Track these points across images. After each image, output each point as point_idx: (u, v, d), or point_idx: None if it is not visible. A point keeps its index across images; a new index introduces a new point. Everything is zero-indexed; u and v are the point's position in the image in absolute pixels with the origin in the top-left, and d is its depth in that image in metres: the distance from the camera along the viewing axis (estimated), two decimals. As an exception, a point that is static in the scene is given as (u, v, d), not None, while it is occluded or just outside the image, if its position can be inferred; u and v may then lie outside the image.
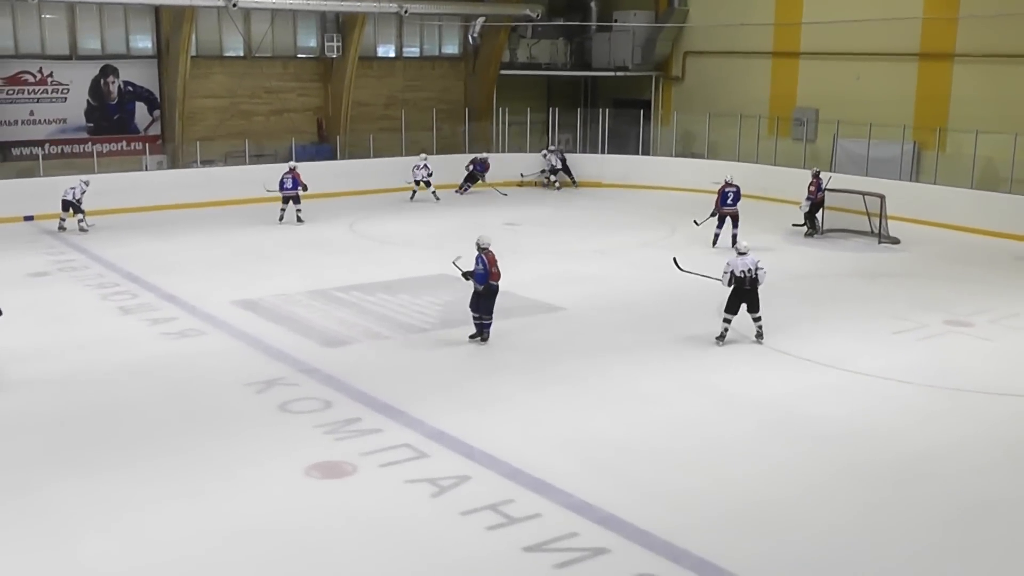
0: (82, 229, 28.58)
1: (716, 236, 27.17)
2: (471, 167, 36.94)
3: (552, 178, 38.24)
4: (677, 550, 11.09)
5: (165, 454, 13.62)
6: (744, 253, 18.66)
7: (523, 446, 13.90)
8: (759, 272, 18.58)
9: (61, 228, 28.79)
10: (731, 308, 18.63)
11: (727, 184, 27.37)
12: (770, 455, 13.90)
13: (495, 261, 18.44)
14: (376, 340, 19.02)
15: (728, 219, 27.18)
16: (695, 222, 28.13)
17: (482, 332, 18.74)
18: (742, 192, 27.42)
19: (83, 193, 28.75)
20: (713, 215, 27.39)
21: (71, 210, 28.76)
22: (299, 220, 30.67)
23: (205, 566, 10.78)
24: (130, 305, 21.26)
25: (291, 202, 30.75)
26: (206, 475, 12.99)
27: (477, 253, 18.55)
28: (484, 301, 18.65)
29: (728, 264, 18.66)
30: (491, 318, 18.77)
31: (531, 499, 12.32)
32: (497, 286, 18.62)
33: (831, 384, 16.84)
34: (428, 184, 35.03)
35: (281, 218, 30.75)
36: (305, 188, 30.80)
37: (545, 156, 38.32)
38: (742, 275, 18.43)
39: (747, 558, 10.98)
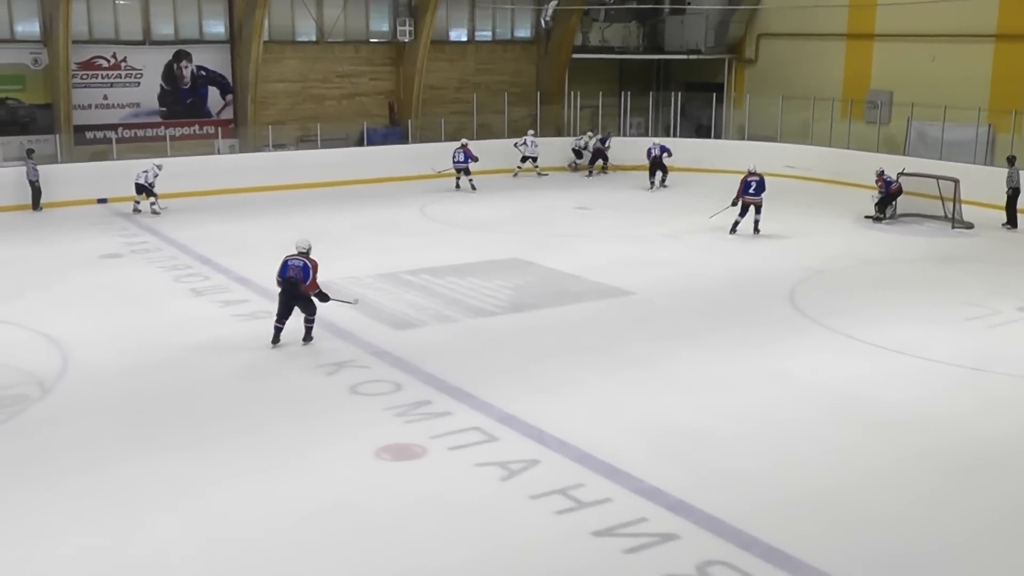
0: (155, 212, 28.98)
1: (736, 223, 26.82)
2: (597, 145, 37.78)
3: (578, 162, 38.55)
4: (746, 536, 11.03)
5: (236, 434, 13.79)
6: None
7: (593, 430, 13.88)
8: None
9: (136, 211, 29.18)
10: None
11: (750, 173, 26.93)
12: (838, 441, 13.80)
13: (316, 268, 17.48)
14: (445, 323, 19.08)
15: (751, 207, 26.85)
16: (710, 217, 27.97)
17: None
18: (766, 183, 26.89)
19: (156, 176, 29.09)
20: (734, 204, 27.01)
21: (144, 193, 29.11)
22: (472, 188, 33.28)
23: (274, 545, 10.88)
24: (202, 287, 21.51)
25: (463, 174, 33.23)
26: (276, 455, 13.11)
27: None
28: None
29: None
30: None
31: (601, 483, 12.30)
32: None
33: (900, 370, 16.65)
34: (535, 160, 36.06)
35: (457, 186, 33.52)
36: (476, 159, 33.47)
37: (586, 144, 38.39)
38: None
39: (815, 545, 10.89)
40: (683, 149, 36.68)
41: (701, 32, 41.71)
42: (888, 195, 28.74)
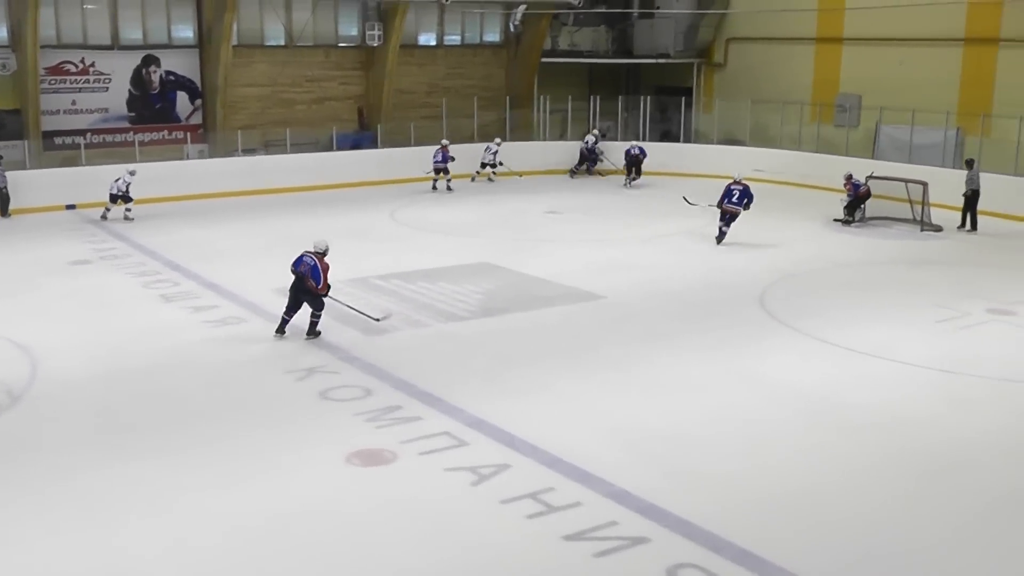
0: (127, 218, 28.75)
1: (721, 233, 26.39)
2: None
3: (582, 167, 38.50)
4: (717, 539, 11.05)
5: (206, 441, 13.72)
6: None
7: (564, 434, 13.89)
8: None
9: (104, 217, 28.96)
10: None
11: (735, 182, 26.67)
12: (811, 443, 13.85)
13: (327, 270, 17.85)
14: (416, 328, 19.04)
15: (728, 215, 26.37)
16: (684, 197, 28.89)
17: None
18: (753, 194, 26.43)
19: (128, 185, 28.81)
20: (718, 206, 26.68)
21: (119, 200, 28.88)
22: (449, 189, 33.83)
23: (244, 551, 10.85)
24: (171, 293, 21.38)
25: (442, 174, 33.47)
26: (247, 462, 13.07)
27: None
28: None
29: None
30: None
31: (571, 488, 12.30)
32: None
33: (872, 372, 16.73)
34: (493, 167, 36.12)
35: (434, 187, 33.89)
36: (453, 159, 33.83)
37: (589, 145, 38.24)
38: None
39: (787, 548, 10.93)
40: (653, 153, 36.71)
41: (670, 36, 41.82)
42: (856, 198, 28.88)
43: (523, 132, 39.96)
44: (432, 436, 13.81)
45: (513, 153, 37.33)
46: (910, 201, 28.54)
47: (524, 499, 11.97)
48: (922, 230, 28.02)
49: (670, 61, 42.03)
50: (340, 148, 36.39)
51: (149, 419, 14.52)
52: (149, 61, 35.00)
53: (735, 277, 22.60)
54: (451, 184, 34.08)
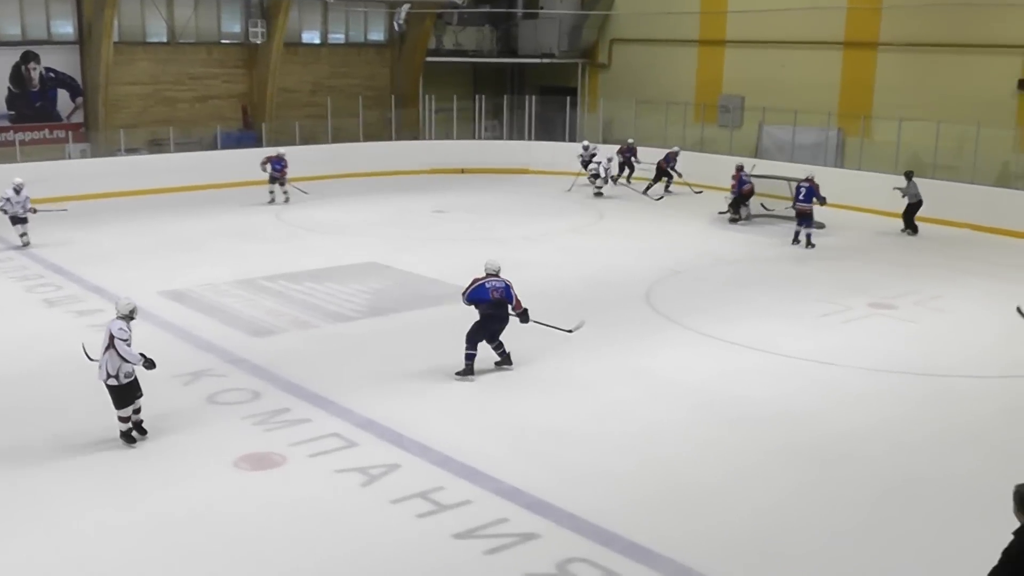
0: (24, 244, 25.70)
1: (797, 235, 26.89)
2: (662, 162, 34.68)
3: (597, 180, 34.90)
4: (607, 533, 11.20)
5: (92, 448, 13.50)
6: None
7: (453, 433, 13.96)
8: None
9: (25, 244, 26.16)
10: None
11: (803, 180, 26.88)
12: (700, 437, 14.08)
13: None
14: (304, 329, 18.97)
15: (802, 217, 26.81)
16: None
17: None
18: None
19: (21, 204, 25.33)
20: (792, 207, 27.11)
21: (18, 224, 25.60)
22: (286, 200, 32.10)
23: (133, 558, 10.73)
24: (55, 297, 21.00)
25: (278, 183, 31.92)
26: (135, 469, 12.89)
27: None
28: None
29: None
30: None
31: (461, 486, 12.37)
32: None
33: (759, 367, 17.06)
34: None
35: (271, 199, 32.00)
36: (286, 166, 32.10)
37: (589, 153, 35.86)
38: None
39: (678, 540, 11.11)
40: (539, 152, 36.90)
41: (554, 37, 42.05)
42: (740, 195, 29.32)
43: (409, 131, 39.92)
44: (321, 438, 13.77)
45: (398, 152, 37.39)
46: (793, 199, 29.07)
47: (414, 498, 12.00)
48: (805, 227, 28.53)
49: (554, 61, 42.28)
50: (224, 147, 36.05)
51: (33, 427, 14.23)
52: (28, 58, 34.24)
53: (621, 275, 22.84)
54: (288, 194, 32.31)
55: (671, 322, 19.35)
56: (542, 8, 42.71)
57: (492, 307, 16.15)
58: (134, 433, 13.53)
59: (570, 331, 16.84)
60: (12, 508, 11.83)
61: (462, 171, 38.38)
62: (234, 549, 10.96)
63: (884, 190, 29.25)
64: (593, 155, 34.89)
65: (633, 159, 35.23)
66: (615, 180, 34.33)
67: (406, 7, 38.83)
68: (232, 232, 27.58)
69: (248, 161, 33.02)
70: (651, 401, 15.34)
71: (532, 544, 11.04)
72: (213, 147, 36.07)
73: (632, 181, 34.57)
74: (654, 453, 13.56)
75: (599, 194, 33.65)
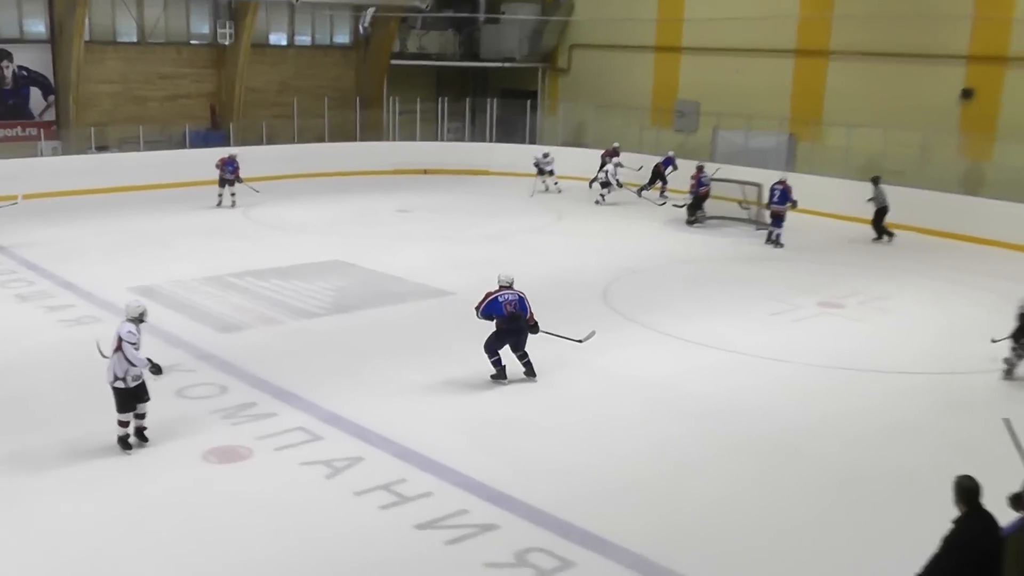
0: None
1: (770, 235, 27.24)
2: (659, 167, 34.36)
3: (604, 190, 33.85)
4: (564, 524, 11.30)
5: (63, 441, 13.45)
6: None
7: (415, 427, 14.00)
8: None
9: None
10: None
11: (777, 182, 27.22)
12: (654, 431, 14.20)
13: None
14: (270, 326, 18.96)
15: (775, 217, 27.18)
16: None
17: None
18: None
19: None
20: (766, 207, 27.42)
21: None
22: (233, 205, 30.77)
23: (104, 550, 10.76)
24: (27, 293, 20.86)
25: (227, 185, 30.80)
26: (105, 461, 12.87)
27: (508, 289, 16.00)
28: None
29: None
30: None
31: (423, 478, 12.44)
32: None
33: (712, 363, 17.22)
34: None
35: (219, 203, 30.83)
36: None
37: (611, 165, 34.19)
38: None
39: (633, 530, 11.23)
40: (500, 153, 36.94)
41: (515, 41, 42.11)
42: (698, 198, 29.47)
43: (373, 132, 39.87)
44: (287, 432, 13.80)
45: (363, 153, 37.42)
46: (745, 202, 29.31)
47: (377, 490, 12.08)
48: (757, 229, 28.75)
49: (516, 65, 42.33)
50: (193, 145, 35.90)
51: (3, 422, 14.17)
52: (1, 56, 33.94)
53: (579, 274, 22.93)
54: (235, 198, 31.21)
55: (627, 320, 19.46)
56: (504, 13, 42.73)
57: (507, 321, 15.67)
58: (131, 440, 13.21)
59: (580, 341, 16.59)
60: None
61: (425, 172, 38.40)
62: (201, 538, 11.00)
63: (834, 194, 29.50)
64: (546, 165, 34.68)
65: (612, 160, 34.36)
66: (641, 191, 33.90)
67: (371, 10, 38.84)
68: (200, 230, 27.48)
69: (216, 159, 32.86)
70: (607, 396, 15.45)
71: (491, 535, 11.13)
72: (182, 145, 35.89)
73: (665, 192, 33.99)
74: (610, 446, 13.68)
75: (599, 202, 32.89)
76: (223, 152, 31.82)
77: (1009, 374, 16.40)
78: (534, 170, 34.49)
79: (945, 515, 8.45)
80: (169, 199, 31.32)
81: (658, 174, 33.71)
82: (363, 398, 15.12)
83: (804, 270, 24.49)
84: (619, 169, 33.24)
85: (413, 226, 28.85)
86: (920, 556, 8.29)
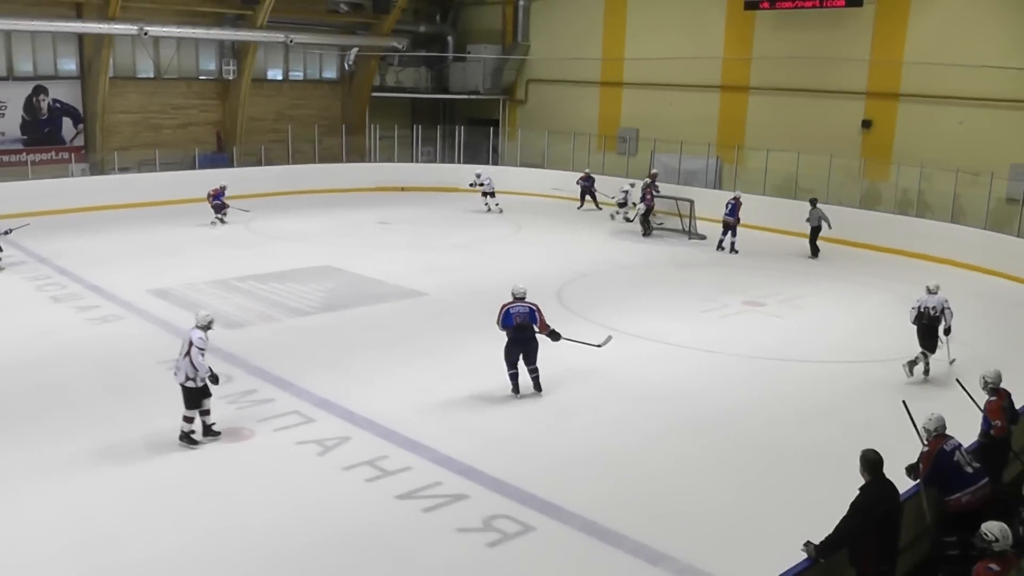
0: None
1: (720, 243, 27.19)
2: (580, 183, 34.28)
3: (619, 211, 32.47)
4: (525, 494, 11.30)
5: (91, 422, 13.38)
6: (933, 292, 15.98)
7: (395, 410, 13.94)
8: (945, 312, 15.83)
9: None
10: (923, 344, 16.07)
11: (733, 197, 27.26)
12: (603, 413, 14.23)
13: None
14: (269, 322, 18.82)
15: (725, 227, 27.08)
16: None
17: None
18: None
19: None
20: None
21: None
22: (223, 221, 29.77)
23: (128, 512, 10.75)
24: (60, 295, 20.65)
25: (216, 211, 29.94)
26: (127, 440, 12.76)
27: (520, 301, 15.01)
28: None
29: (916, 301, 16.14)
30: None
31: (402, 455, 12.39)
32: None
33: (652, 353, 17.23)
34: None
35: (214, 222, 29.74)
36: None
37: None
38: (924, 310, 15.90)
39: (586, 499, 11.23)
40: (466, 173, 36.76)
41: (480, 76, 42.00)
42: (648, 210, 29.41)
43: (357, 155, 39.70)
44: (284, 415, 13.74)
45: (348, 172, 37.30)
46: (680, 215, 29.36)
47: (363, 466, 12.04)
48: (690, 239, 28.80)
49: (480, 97, 42.18)
50: (201, 167, 35.59)
51: (39, 405, 14.06)
52: (39, 90, 33.55)
53: (536, 278, 22.67)
54: (224, 219, 30.07)
55: (579, 316, 19.40)
56: (469, 52, 42.58)
57: (516, 331, 14.69)
58: (195, 436, 12.73)
59: (599, 345, 15.81)
60: (19, 472, 11.72)
61: (402, 189, 38.24)
62: (208, 503, 11.01)
63: (755, 208, 29.54)
64: (486, 187, 33.55)
65: (592, 187, 34.26)
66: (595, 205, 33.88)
67: (355, 50, 38.71)
68: (208, 240, 27.25)
69: (221, 179, 32.61)
70: (564, 382, 15.39)
71: (462, 503, 11.11)
72: (192, 167, 35.55)
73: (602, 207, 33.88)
74: (567, 425, 13.71)
75: (629, 219, 31.38)
76: (220, 178, 31.29)
77: (911, 372, 16.15)
78: (474, 188, 33.80)
79: (853, 483, 8.53)
80: (181, 213, 30.97)
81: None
82: (350, 385, 15.04)
83: (730, 274, 24.46)
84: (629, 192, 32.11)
85: (392, 236, 28.68)
86: (833, 518, 8.30)
